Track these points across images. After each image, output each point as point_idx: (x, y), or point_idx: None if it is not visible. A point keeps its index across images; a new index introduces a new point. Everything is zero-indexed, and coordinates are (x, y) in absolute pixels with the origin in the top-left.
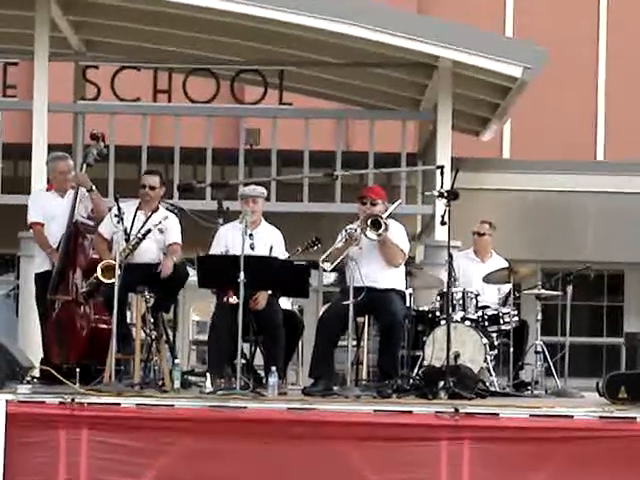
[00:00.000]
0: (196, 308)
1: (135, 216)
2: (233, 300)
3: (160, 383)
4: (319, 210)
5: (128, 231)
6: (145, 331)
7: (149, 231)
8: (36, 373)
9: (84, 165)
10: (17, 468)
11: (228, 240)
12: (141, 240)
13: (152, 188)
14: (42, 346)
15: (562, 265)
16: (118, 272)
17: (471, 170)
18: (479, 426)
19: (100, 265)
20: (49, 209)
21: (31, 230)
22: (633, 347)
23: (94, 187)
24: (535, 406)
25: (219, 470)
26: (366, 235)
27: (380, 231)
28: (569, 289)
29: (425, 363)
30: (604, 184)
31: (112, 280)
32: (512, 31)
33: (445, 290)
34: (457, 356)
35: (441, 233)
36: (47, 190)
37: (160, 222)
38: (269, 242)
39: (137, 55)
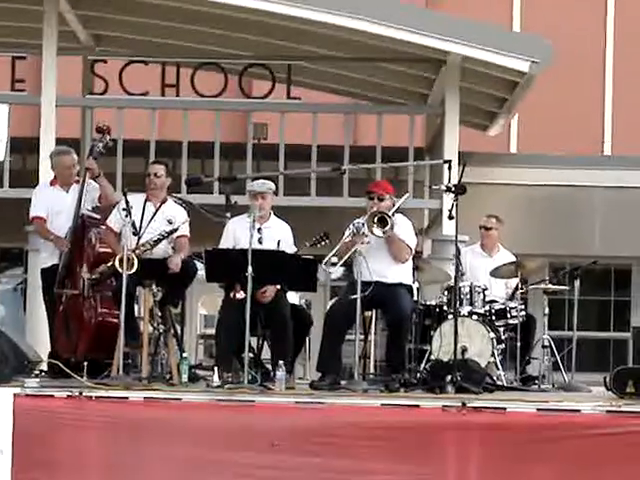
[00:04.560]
0: (204, 302)
1: (144, 207)
2: (240, 295)
3: (168, 377)
4: (327, 204)
5: (137, 224)
6: (153, 325)
7: (175, 229)
8: (44, 367)
9: (90, 158)
10: (25, 461)
11: (236, 234)
12: (164, 237)
13: (157, 176)
14: (50, 340)
15: (569, 260)
16: (135, 266)
17: (478, 164)
18: (486, 420)
19: (119, 256)
20: (54, 204)
21: (32, 225)
22: None
23: (102, 172)
24: (542, 400)
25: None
26: (372, 232)
27: (386, 228)
28: (576, 283)
29: (432, 357)
30: (612, 179)
31: (128, 272)
32: (519, 25)
33: (452, 284)
34: (464, 350)
35: (448, 227)
36: (51, 185)
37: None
38: (277, 237)
39: (145, 49)
